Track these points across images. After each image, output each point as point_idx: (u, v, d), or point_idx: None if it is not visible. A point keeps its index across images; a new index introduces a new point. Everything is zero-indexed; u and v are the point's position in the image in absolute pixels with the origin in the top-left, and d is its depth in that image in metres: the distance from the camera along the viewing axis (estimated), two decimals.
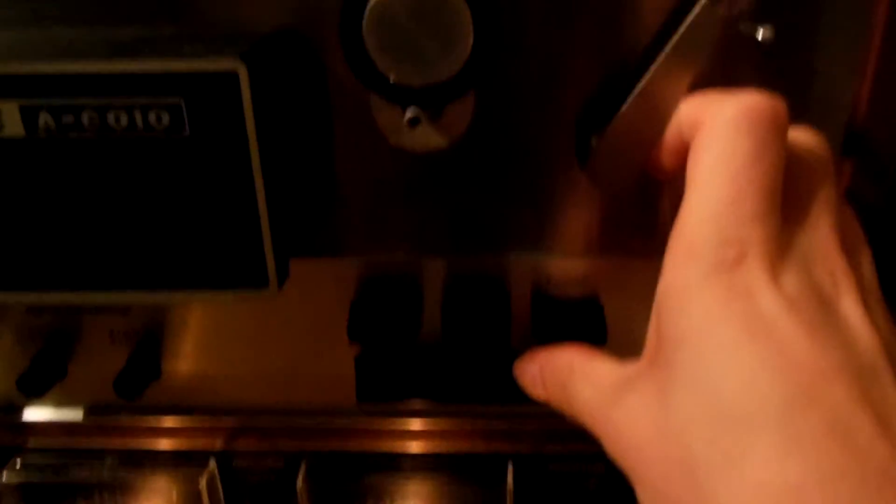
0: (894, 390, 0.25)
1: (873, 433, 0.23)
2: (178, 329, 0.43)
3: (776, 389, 0.24)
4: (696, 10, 0.30)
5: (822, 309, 0.26)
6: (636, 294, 0.39)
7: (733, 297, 0.26)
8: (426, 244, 0.38)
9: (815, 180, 0.28)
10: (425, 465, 0.46)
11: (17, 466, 0.47)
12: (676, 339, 0.27)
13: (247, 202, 0.29)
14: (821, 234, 0.28)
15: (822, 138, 0.30)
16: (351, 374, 0.43)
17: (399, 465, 0.46)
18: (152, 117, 0.28)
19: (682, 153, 0.29)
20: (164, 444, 0.47)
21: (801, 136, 0.29)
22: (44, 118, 0.28)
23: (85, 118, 0.28)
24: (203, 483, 0.47)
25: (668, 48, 0.30)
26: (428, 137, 0.33)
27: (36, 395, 0.42)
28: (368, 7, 0.28)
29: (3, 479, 0.47)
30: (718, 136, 0.27)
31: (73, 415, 0.46)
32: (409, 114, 0.29)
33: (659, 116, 0.30)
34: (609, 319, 0.39)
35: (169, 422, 0.46)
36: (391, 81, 0.28)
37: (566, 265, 0.39)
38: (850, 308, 0.27)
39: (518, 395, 0.39)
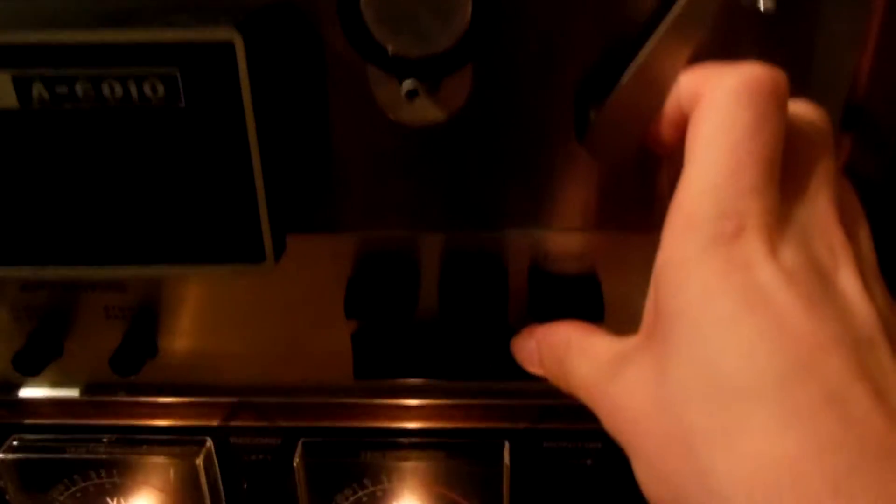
0: (891, 363, 0.25)
1: (870, 405, 0.24)
2: (175, 306, 0.43)
3: (774, 362, 0.24)
4: None
5: (820, 282, 0.26)
6: (634, 270, 0.39)
7: (731, 269, 0.26)
8: (423, 220, 0.38)
9: (815, 153, 0.28)
10: (422, 442, 0.46)
11: (14, 444, 0.47)
12: (674, 312, 0.27)
13: (243, 174, 0.29)
14: (820, 207, 0.28)
15: (822, 111, 0.29)
16: (348, 352, 0.43)
17: (396, 442, 0.46)
18: (147, 88, 0.27)
19: (682, 126, 0.29)
20: (161, 422, 0.47)
21: (801, 109, 0.29)
22: (37, 89, 0.27)
23: (79, 89, 0.27)
24: (200, 461, 0.47)
25: (668, 20, 0.30)
26: (426, 111, 0.33)
27: (32, 373, 0.42)
28: None
29: (0, 456, 0.47)
30: (718, 107, 0.27)
31: (69, 393, 0.47)
32: (406, 86, 0.29)
33: (658, 89, 0.30)
34: (606, 295, 0.39)
35: (165, 400, 0.46)
36: (389, 53, 0.28)
37: (564, 240, 0.39)
38: (848, 281, 0.27)
39: (515, 372, 0.39)
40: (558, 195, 0.37)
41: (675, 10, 0.30)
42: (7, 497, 0.49)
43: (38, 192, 0.30)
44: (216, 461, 0.48)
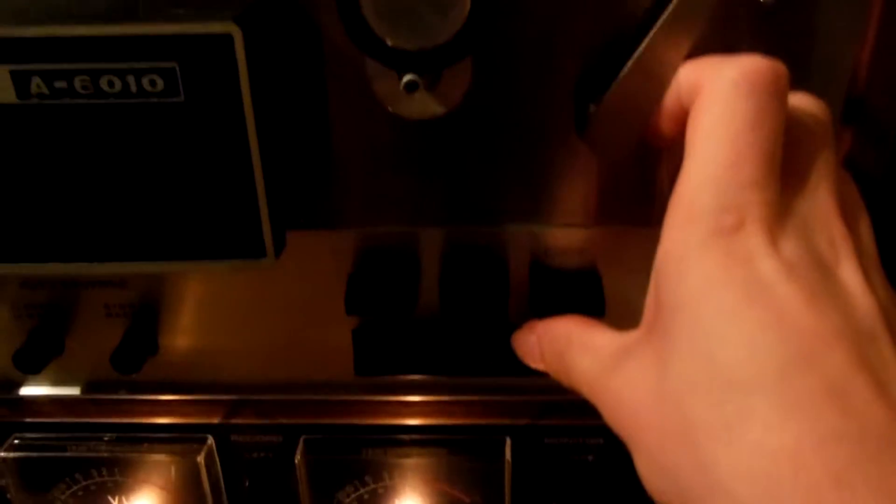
0: (892, 354, 0.25)
1: (871, 397, 0.24)
2: (175, 304, 0.43)
3: (775, 354, 0.24)
4: None
5: (820, 274, 0.26)
6: (635, 265, 0.39)
7: (732, 262, 0.25)
8: (423, 215, 0.38)
9: (815, 146, 0.28)
10: (423, 439, 0.46)
11: (15, 443, 0.47)
12: (675, 304, 0.27)
13: (242, 168, 0.29)
14: (820, 199, 0.28)
15: (823, 104, 0.29)
16: (349, 348, 0.43)
17: (397, 439, 0.46)
18: (146, 82, 0.27)
19: (682, 119, 0.29)
20: (162, 420, 0.47)
21: (802, 102, 0.29)
22: (36, 83, 0.28)
23: (78, 83, 0.27)
24: (201, 459, 0.47)
25: (667, 12, 0.30)
26: (425, 105, 0.33)
27: (33, 371, 0.42)
28: None
29: (1, 455, 0.47)
30: (718, 99, 0.27)
31: (70, 391, 0.46)
32: (406, 78, 0.29)
33: (658, 82, 0.30)
34: (607, 290, 0.39)
35: (166, 398, 0.46)
36: (388, 46, 0.28)
37: (564, 235, 0.39)
38: (849, 273, 0.27)
39: (516, 368, 0.39)
40: (558, 190, 0.37)
41: (675, 2, 0.30)
42: (8, 496, 0.49)
43: (37, 188, 0.30)
44: (217, 459, 0.48)
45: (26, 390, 0.47)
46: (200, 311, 0.43)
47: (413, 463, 0.46)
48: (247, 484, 0.49)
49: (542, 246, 0.39)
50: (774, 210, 0.26)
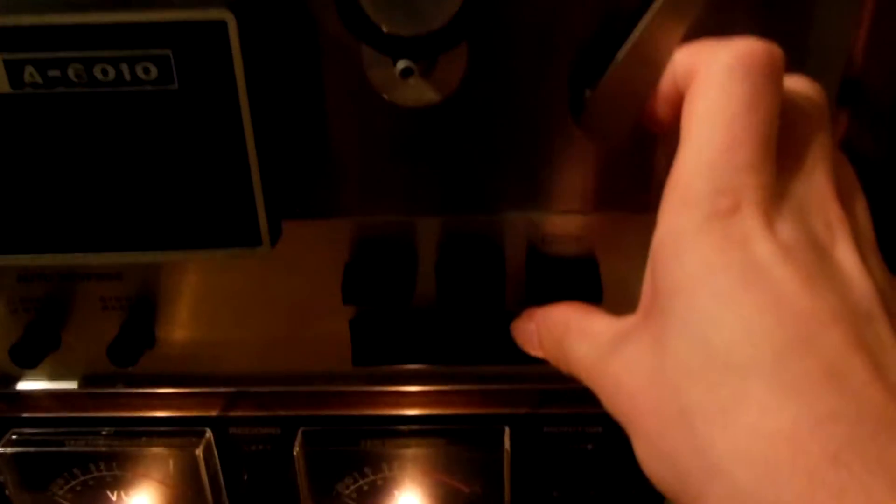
0: (889, 335, 0.25)
1: (868, 377, 0.24)
2: (172, 296, 0.43)
3: (771, 336, 0.24)
4: None
5: (817, 256, 0.26)
6: (632, 251, 0.39)
7: (728, 245, 0.25)
8: (419, 203, 0.38)
9: (811, 128, 0.28)
10: (422, 429, 0.46)
11: (13, 438, 0.47)
12: (671, 288, 0.27)
13: (237, 156, 0.29)
14: (816, 181, 0.28)
15: (819, 86, 0.29)
16: (346, 339, 0.43)
17: (396, 430, 0.46)
18: (140, 70, 0.27)
19: (677, 103, 0.29)
20: (160, 413, 0.47)
21: (797, 84, 0.29)
22: (29, 72, 0.27)
23: (71, 72, 0.27)
24: (199, 452, 0.47)
25: None
26: (421, 92, 0.33)
27: (30, 365, 0.42)
28: None
29: None
30: (713, 83, 0.27)
31: (67, 385, 0.46)
32: (401, 64, 0.29)
33: (653, 66, 0.30)
34: (605, 277, 0.39)
35: (164, 391, 0.46)
36: (383, 32, 0.28)
37: (561, 222, 0.39)
38: (846, 255, 0.27)
39: (514, 355, 0.39)
40: (555, 177, 0.37)
41: None
42: (7, 492, 0.49)
43: (31, 178, 0.30)
44: (216, 452, 0.48)
45: (23, 385, 0.47)
46: (197, 304, 0.43)
47: (412, 453, 0.46)
48: (245, 477, 0.49)
49: (538, 233, 0.39)
50: (770, 193, 0.26)
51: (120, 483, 0.48)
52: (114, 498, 0.49)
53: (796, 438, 0.23)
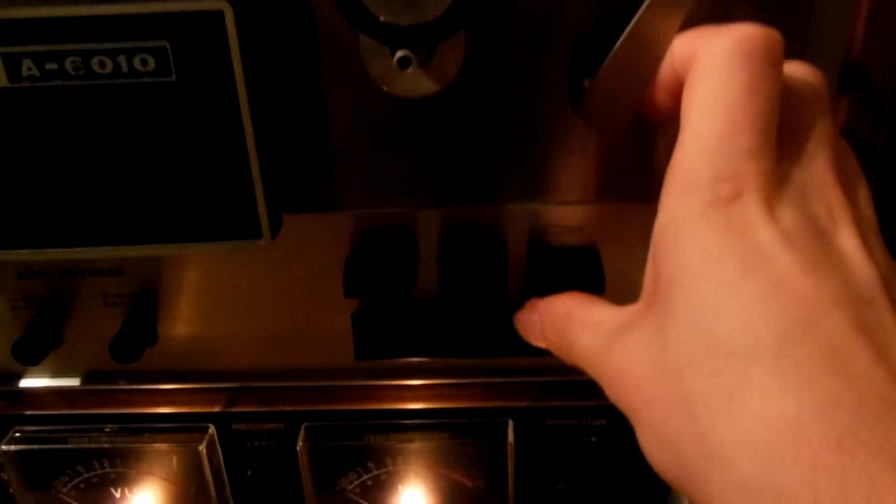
0: (891, 320, 0.25)
1: (870, 362, 0.23)
2: (173, 291, 0.43)
3: (773, 323, 0.24)
4: None
5: (818, 242, 0.26)
6: (634, 241, 0.39)
7: (729, 232, 0.25)
8: (420, 195, 0.38)
9: (812, 114, 0.28)
10: (425, 423, 0.46)
11: (16, 436, 0.47)
12: (673, 276, 0.27)
13: (237, 147, 0.29)
14: (817, 167, 0.27)
15: (818, 72, 0.29)
16: (348, 333, 0.43)
17: (399, 424, 0.46)
18: (137, 61, 0.27)
19: (677, 91, 0.29)
20: (163, 409, 0.47)
21: (797, 70, 0.29)
22: (27, 66, 0.27)
23: (69, 64, 0.27)
24: (203, 448, 0.47)
25: None
26: (419, 82, 0.33)
27: (32, 362, 0.42)
28: None
29: (2, 448, 0.47)
30: (712, 69, 0.27)
31: (70, 382, 0.46)
32: (399, 54, 0.29)
33: (652, 54, 0.30)
34: (606, 267, 0.39)
35: (166, 387, 0.46)
36: (381, 21, 0.28)
37: (562, 213, 0.39)
38: (847, 241, 0.27)
39: (516, 347, 0.39)
40: (556, 167, 0.37)
41: None
42: (10, 490, 0.49)
43: (30, 173, 0.30)
44: (219, 448, 0.48)
45: (25, 382, 0.47)
46: (199, 299, 0.43)
47: (415, 448, 0.46)
48: (249, 472, 0.49)
49: (540, 224, 0.39)
50: (771, 179, 0.26)
51: (123, 480, 0.48)
52: (117, 495, 0.49)
53: (799, 425, 0.23)
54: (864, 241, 0.27)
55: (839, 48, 0.34)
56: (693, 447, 0.25)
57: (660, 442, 0.27)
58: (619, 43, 0.30)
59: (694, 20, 0.29)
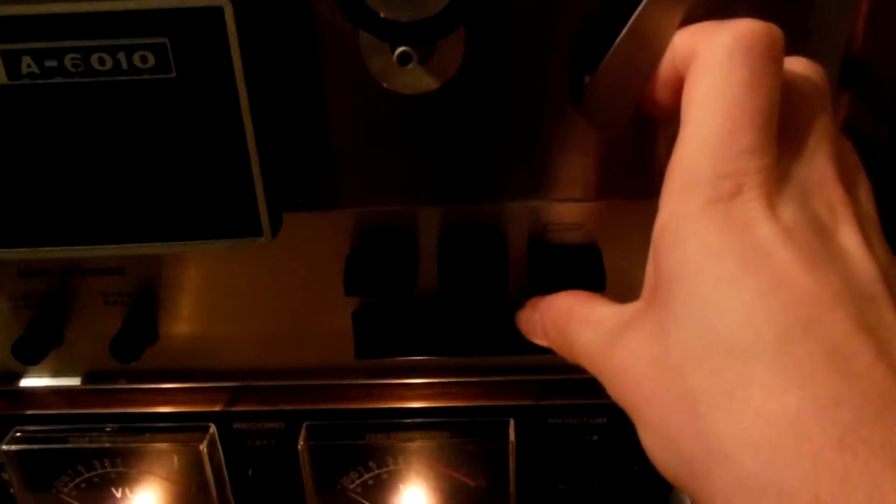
0: (893, 317, 0.25)
1: (872, 359, 0.23)
2: (174, 290, 0.43)
3: (773, 320, 0.24)
4: None
5: (819, 239, 0.26)
6: (634, 239, 0.39)
7: (730, 229, 0.25)
8: (421, 193, 0.38)
9: (813, 110, 0.28)
10: (427, 422, 0.46)
11: (17, 436, 0.47)
12: (674, 273, 0.27)
13: (237, 144, 0.29)
14: (818, 164, 0.27)
15: (819, 67, 0.29)
16: (349, 332, 0.43)
17: (400, 423, 0.46)
18: (137, 58, 0.27)
19: (678, 87, 0.29)
20: (163, 409, 0.47)
21: (798, 66, 0.29)
22: (26, 63, 0.27)
23: (68, 61, 0.27)
24: (203, 447, 0.46)
25: None
26: (419, 79, 0.33)
27: (32, 362, 0.42)
28: None
29: (3, 448, 0.46)
30: (713, 65, 0.27)
31: (70, 382, 0.46)
32: (399, 50, 0.29)
33: (652, 50, 0.30)
34: (607, 265, 0.39)
35: (167, 386, 0.46)
36: (381, 18, 0.28)
37: (563, 210, 0.39)
38: (848, 237, 0.27)
39: (517, 345, 0.39)
40: (556, 164, 0.37)
41: None
42: (11, 490, 0.48)
43: (29, 170, 0.30)
44: (220, 447, 0.48)
45: (26, 382, 0.47)
46: (199, 298, 0.43)
47: (417, 447, 0.46)
48: (250, 472, 0.49)
49: (540, 221, 0.39)
50: (772, 176, 0.26)
51: (124, 479, 0.48)
52: (118, 494, 0.49)
53: (800, 423, 0.22)
54: (865, 237, 0.27)
55: (840, 43, 0.34)
56: (694, 445, 0.25)
57: (661, 440, 0.27)
58: (619, 39, 0.30)
59: (694, 16, 0.29)
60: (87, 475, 0.48)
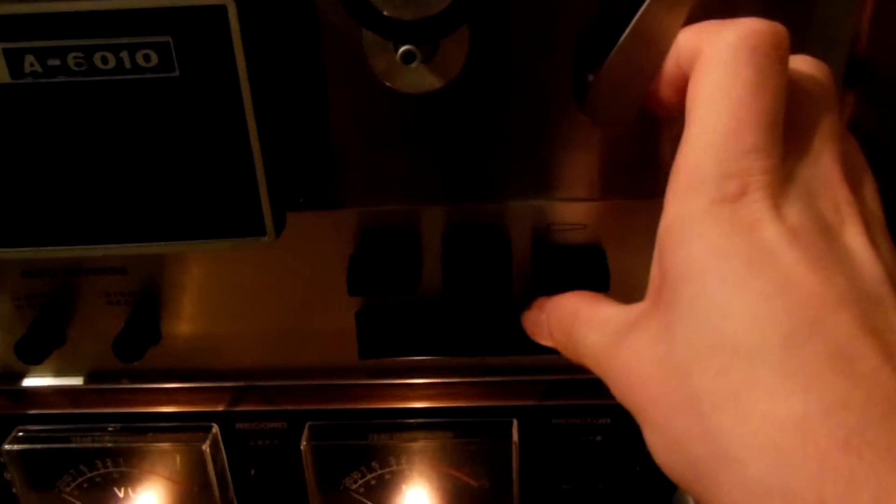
0: None
1: (877, 361, 0.23)
2: (177, 290, 0.43)
3: (779, 322, 0.24)
4: None
5: (825, 239, 0.26)
6: (639, 239, 0.39)
7: (735, 230, 0.25)
8: (424, 193, 0.38)
9: (818, 109, 0.28)
10: (430, 422, 0.46)
11: (20, 435, 0.47)
12: (679, 274, 0.26)
13: (240, 143, 0.29)
14: (824, 164, 0.27)
15: (824, 66, 0.29)
16: (352, 332, 0.43)
17: (403, 423, 0.46)
18: (140, 57, 0.27)
19: (682, 85, 0.29)
20: (166, 408, 0.47)
21: (803, 65, 0.29)
22: (29, 62, 0.27)
23: (71, 60, 0.27)
24: (206, 447, 0.46)
25: None
26: (423, 78, 0.33)
27: (35, 361, 0.42)
28: None
29: (6, 447, 0.47)
30: (717, 64, 0.26)
31: (73, 381, 0.46)
32: (402, 49, 0.29)
33: (657, 49, 0.30)
34: (612, 265, 0.39)
35: (170, 386, 0.46)
36: (384, 16, 0.27)
37: (567, 210, 0.39)
38: (854, 238, 0.26)
39: (521, 345, 0.38)
40: (560, 163, 0.37)
41: None
42: (13, 490, 0.48)
43: (32, 169, 0.30)
44: (223, 447, 0.48)
45: (28, 381, 0.47)
46: (202, 298, 0.43)
47: (420, 447, 0.46)
48: (253, 472, 0.49)
49: (544, 221, 0.39)
50: (777, 176, 0.26)
51: (127, 479, 0.48)
52: (121, 494, 0.49)
53: (806, 425, 0.22)
54: (872, 237, 0.27)
55: (845, 42, 0.34)
56: (700, 446, 0.25)
57: (666, 441, 0.27)
58: (623, 37, 0.30)
59: (698, 14, 0.29)
60: (89, 475, 0.48)
